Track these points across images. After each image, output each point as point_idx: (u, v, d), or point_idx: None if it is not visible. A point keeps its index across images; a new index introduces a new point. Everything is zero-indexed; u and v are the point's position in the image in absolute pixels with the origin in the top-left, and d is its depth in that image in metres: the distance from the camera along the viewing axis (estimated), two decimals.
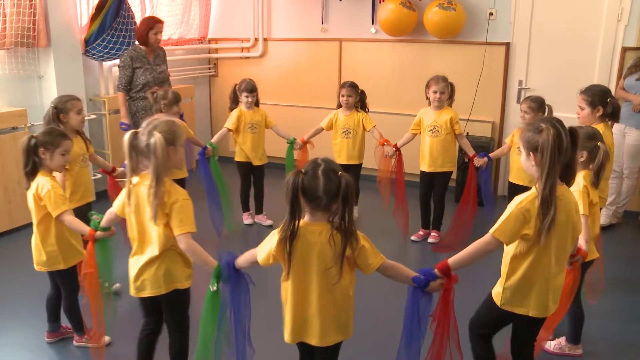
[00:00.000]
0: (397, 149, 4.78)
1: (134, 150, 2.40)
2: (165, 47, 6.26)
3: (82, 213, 3.08)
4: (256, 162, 5.07)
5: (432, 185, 4.77)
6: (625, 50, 5.23)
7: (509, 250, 2.34)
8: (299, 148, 5.13)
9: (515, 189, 4.38)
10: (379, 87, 6.24)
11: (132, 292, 2.57)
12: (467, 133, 5.28)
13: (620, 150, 5.00)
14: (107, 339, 3.21)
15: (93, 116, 5.47)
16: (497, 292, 2.44)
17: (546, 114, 4.24)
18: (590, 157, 2.85)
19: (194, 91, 6.80)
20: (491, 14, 5.69)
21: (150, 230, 2.45)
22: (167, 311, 2.65)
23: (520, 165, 4.42)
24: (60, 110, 3.43)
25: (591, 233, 2.82)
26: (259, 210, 5.26)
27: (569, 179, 2.28)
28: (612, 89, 5.31)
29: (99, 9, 5.19)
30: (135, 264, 2.53)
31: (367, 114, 5.03)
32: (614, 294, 3.90)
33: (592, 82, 5.34)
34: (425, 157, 4.69)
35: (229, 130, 4.94)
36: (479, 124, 5.85)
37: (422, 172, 4.77)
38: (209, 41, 7.19)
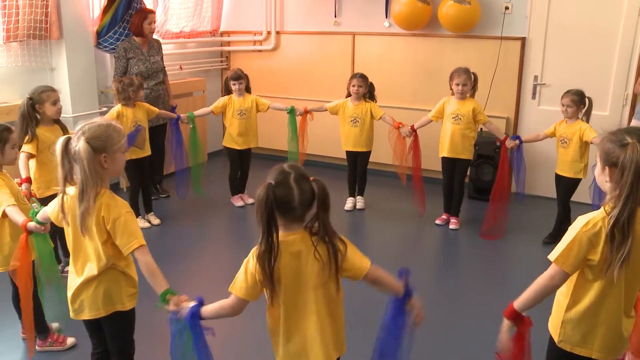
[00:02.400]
0: (414, 131, 4.92)
1: (67, 158, 2.17)
2: (177, 40, 6.25)
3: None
4: (243, 147, 5.31)
5: (453, 171, 4.91)
6: None
7: (572, 277, 2.00)
8: (300, 114, 5.34)
9: (559, 180, 4.57)
10: (392, 82, 6.18)
11: (71, 314, 2.37)
12: (481, 129, 5.22)
13: None
14: (71, 340, 3.13)
15: (104, 109, 5.45)
16: (554, 326, 2.11)
17: (586, 106, 4.36)
18: None
19: (205, 84, 6.77)
20: (507, 7, 5.60)
21: (87, 247, 2.25)
22: (108, 335, 2.44)
23: (565, 157, 4.30)
24: (36, 101, 3.48)
25: None
26: (241, 190, 5.52)
27: None
28: (631, 84, 5.22)
29: (111, 1, 5.18)
30: (72, 282, 2.33)
31: (374, 104, 5.18)
32: None
33: (610, 77, 5.31)
34: (446, 144, 4.85)
35: (212, 111, 5.28)
36: (493, 119, 5.71)
37: (442, 158, 4.92)
38: (221, 34, 7.15)
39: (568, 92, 4.40)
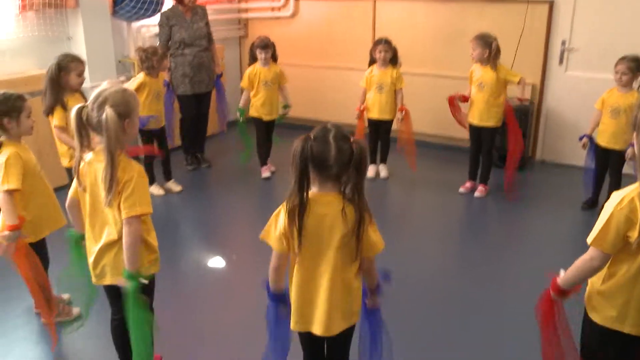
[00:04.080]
0: (466, 99, 4.82)
1: (83, 127, 2.18)
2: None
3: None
4: (266, 118, 5.20)
5: (479, 139, 4.84)
6: None
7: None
8: (357, 117, 5.20)
9: (607, 153, 4.30)
10: (415, 48, 6.02)
11: (93, 279, 2.39)
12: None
13: None
14: (76, 310, 3.11)
15: (122, 78, 5.39)
16: (588, 297, 2.05)
17: None
18: None
19: (224, 52, 6.67)
20: None
21: (106, 211, 2.24)
22: (127, 301, 2.39)
23: (616, 129, 4.06)
24: (63, 67, 3.44)
25: None
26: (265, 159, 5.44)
27: None
28: None
29: None
30: (92, 248, 2.33)
31: (399, 71, 5.11)
32: None
33: None
34: (472, 112, 4.80)
35: (246, 89, 5.17)
36: (519, 86, 5.61)
37: (470, 126, 4.84)
38: (239, 1, 7.02)
39: (623, 58, 4.16)
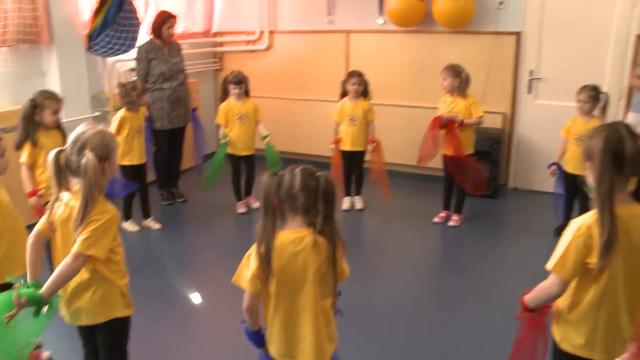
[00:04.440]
0: (462, 124, 4.65)
1: (61, 170, 2.17)
2: None
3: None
4: (242, 152, 5.17)
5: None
6: (639, 37, 5.09)
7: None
8: (332, 149, 5.25)
9: (575, 181, 4.35)
10: (388, 79, 6.14)
11: (67, 319, 2.31)
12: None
13: None
14: (46, 354, 3.02)
15: (97, 113, 5.39)
16: (556, 328, 2.08)
17: (602, 102, 4.25)
18: None
19: (199, 85, 6.71)
20: (501, 2, 5.56)
21: None
22: (101, 344, 2.35)
23: (580, 155, 4.25)
24: (37, 105, 3.47)
25: None
26: (247, 193, 5.40)
27: None
28: (626, 77, 5.20)
29: (101, 3, 5.10)
30: (65, 287, 2.23)
31: (370, 103, 5.18)
32: None
33: (605, 71, 5.28)
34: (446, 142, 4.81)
35: (222, 125, 5.15)
36: (489, 115, 5.71)
37: (444, 156, 4.85)
38: (214, 35, 7.10)
39: (584, 87, 4.29)
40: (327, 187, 1.90)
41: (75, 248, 2.09)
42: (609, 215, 1.82)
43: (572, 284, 1.96)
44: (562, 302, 2.03)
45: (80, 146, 2.13)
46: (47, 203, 3.36)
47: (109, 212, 2.18)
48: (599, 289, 1.92)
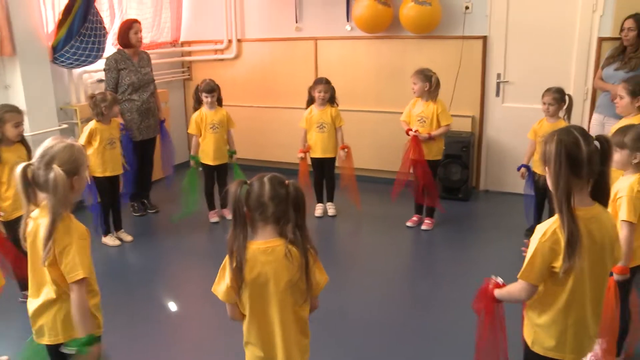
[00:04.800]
0: (430, 137, 4.72)
1: (29, 185, 2.12)
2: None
3: (12, 227, 2.95)
4: (215, 162, 5.12)
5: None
6: (601, 40, 5.20)
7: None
8: (301, 158, 5.24)
9: (544, 182, 4.38)
10: (356, 85, 6.17)
11: (33, 335, 2.29)
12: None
13: None
14: (4, 358, 2.99)
15: (65, 125, 5.30)
16: (527, 331, 2.12)
17: (567, 104, 4.32)
18: None
19: (168, 95, 6.65)
20: (467, 7, 5.63)
21: (44, 271, 2.16)
22: None
23: None
24: None
25: None
26: (223, 205, 5.32)
27: (602, 197, 1.97)
28: (590, 79, 5.30)
29: (65, 14, 5.00)
30: (30, 304, 2.25)
31: (338, 109, 5.18)
32: None
33: (570, 73, 5.38)
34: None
35: (194, 134, 5.12)
36: (459, 119, 5.78)
37: (411, 160, 4.84)
38: (182, 44, 7.05)
39: (549, 90, 4.37)
40: (296, 195, 1.90)
41: (68, 280, 2.11)
42: (569, 217, 1.85)
43: (541, 288, 1.99)
44: (531, 307, 2.06)
45: (48, 160, 2.09)
46: (10, 222, 3.36)
47: (76, 231, 2.15)
48: (567, 291, 1.95)
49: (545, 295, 2.00)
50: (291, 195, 1.89)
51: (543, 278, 1.95)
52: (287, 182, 1.93)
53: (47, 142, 2.17)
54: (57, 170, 2.06)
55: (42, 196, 2.14)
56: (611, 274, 2.63)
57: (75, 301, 2.12)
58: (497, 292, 2.14)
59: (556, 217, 1.90)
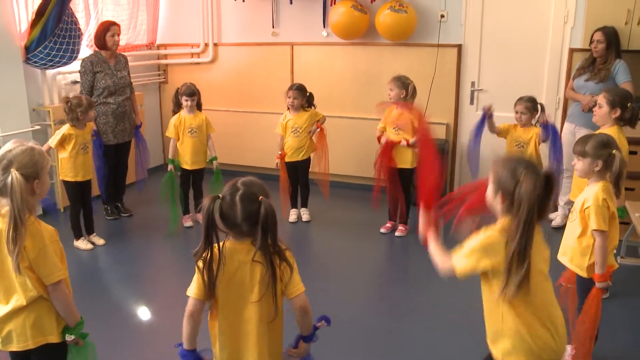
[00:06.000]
0: (408, 144, 4.77)
1: None
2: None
3: None
4: (193, 167, 5.10)
5: (397, 180, 4.88)
6: (572, 51, 5.31)
7: (488, 304, 2.10)
8: (277, 165, 5.25)
9: None
10: (332, 91, 6.19)
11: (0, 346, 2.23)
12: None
13: (571, 148, 5.06)
14: None
15: (37, 127, 5.23)
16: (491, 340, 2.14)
17: (539, 112, 4.40)
18: (606, 166, 2.73)
19: (143, 98, 6.60)
20: (442, 16, 5.71)
21: (12, 277, 2.11)
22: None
23: None
24: None
25: (612, 244, 2.78)
26: (198, 210, 5.17)
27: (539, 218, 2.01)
28: (562, 89, 5.41)
29: (39, 14, 4.93)
30: None
31: (313, 110, 5.20)
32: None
33: (543, 82, 5.47)
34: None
35: (173, 138, 5.05)
36: (433, 126, 5.84)
37: (387, 167, 4.87)
38: (158, 47, 7.01)
39: (521, 99, 4.46)
40: (266, 214, 1.90)
41: (45, 283, 2.13)
42: (529, 253, 1.93)
43: (500, 303, 2.02)
44: (497, 322, 2.08)
45: (6, 165, 2.06)
46: None
47: (45, 235, 2.12)
48: (512, 309, 2.02)
49: (497, 304, 2.06)
50: (261, 217, 1.90)
51: (466, 275, 2.04)
52: (260, 197, 1.93)
53: (7, 146, 2.14)
54: (14, 175, 2.03)
55: (3, 202, 2.10)
56: (593, 283, 2.70)
57: (58, 299, 2.15)
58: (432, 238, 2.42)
59: (497, 226, 2.01)
